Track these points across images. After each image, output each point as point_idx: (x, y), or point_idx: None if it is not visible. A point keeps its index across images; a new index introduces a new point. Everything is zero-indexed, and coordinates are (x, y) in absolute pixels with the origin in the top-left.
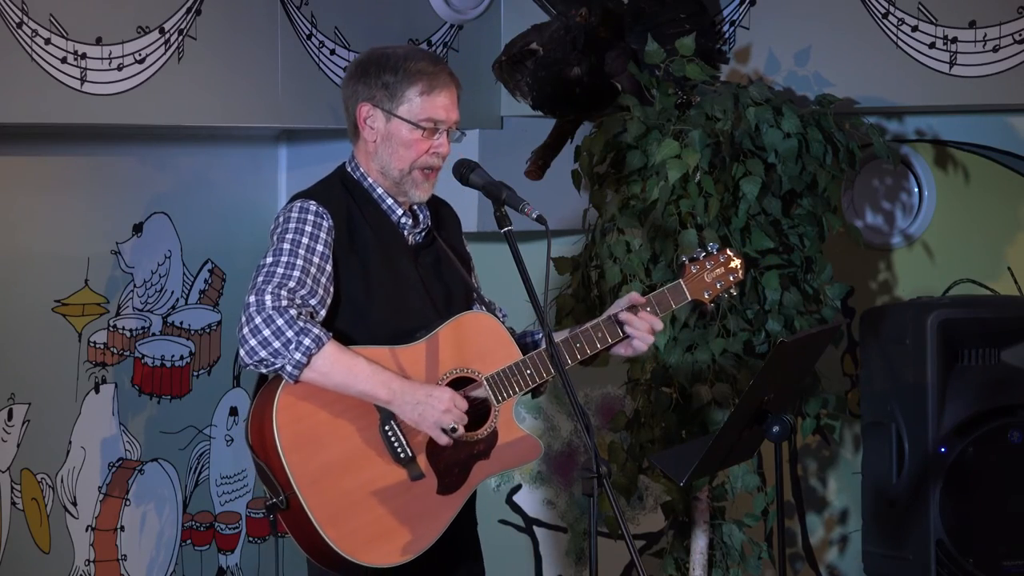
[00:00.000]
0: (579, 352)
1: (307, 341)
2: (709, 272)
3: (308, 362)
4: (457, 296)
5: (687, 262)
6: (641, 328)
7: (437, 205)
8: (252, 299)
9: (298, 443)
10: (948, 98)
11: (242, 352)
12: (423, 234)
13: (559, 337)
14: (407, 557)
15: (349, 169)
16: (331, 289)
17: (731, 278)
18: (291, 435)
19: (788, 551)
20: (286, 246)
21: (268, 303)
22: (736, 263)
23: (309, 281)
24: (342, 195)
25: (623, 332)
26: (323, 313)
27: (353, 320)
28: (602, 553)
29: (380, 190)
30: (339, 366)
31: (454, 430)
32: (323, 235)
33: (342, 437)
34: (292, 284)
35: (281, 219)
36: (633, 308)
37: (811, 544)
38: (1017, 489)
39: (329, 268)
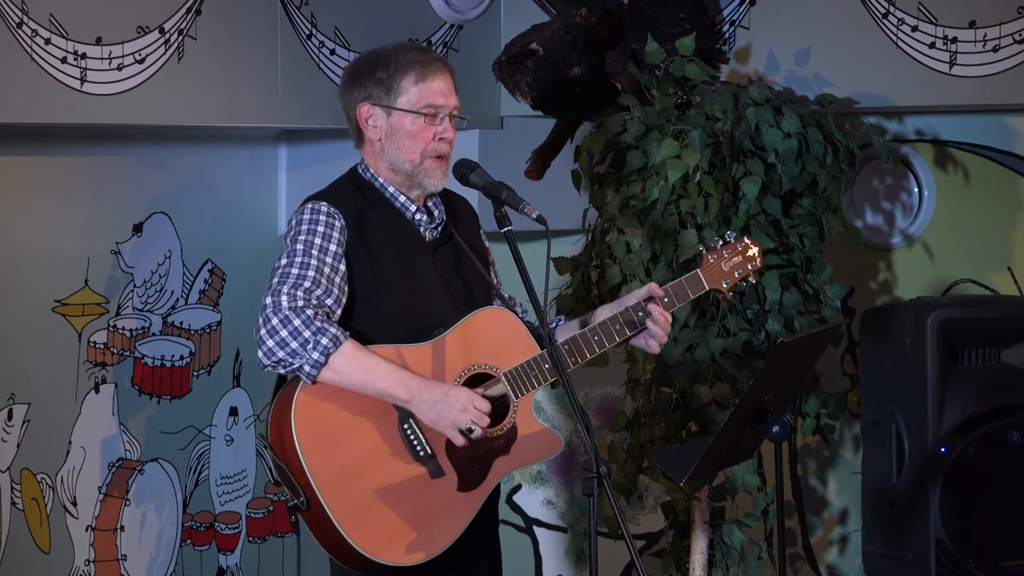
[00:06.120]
0: (597, 345)
1: (325, 340)
2: (727, 261)
3: (326, 361)
4: (477, 292)
5: (704, 251)
6: (659, 323)
7: (451, 199)
8: (268, 300)
9: (317, 444)
10: (948, 98)
11: (260, 353)
12: (439, 229)
13: (575, 330)
14: (429, 555)
15: (360, 171)
16: (345, 289)
17: (749, 266)
18: (310, 436)
19: (788, 551)
20: (299, 247)
21: (285, 304)
22: (754, 251)
23: (324, 281)
24: (354, 195)
25: (644, 323)
26: (339, 312)
27: (368, 319)
28: (602, 553)
29: (392, 188)
30: (357, 365)
31: (471, 431)
32: (336, 235)
33: (361, 437)
34: (307, 284)
35: (294, 221)
36: (651, 300)
37: (811, 544)
38: (1017, 489)
39: (343, 268)
